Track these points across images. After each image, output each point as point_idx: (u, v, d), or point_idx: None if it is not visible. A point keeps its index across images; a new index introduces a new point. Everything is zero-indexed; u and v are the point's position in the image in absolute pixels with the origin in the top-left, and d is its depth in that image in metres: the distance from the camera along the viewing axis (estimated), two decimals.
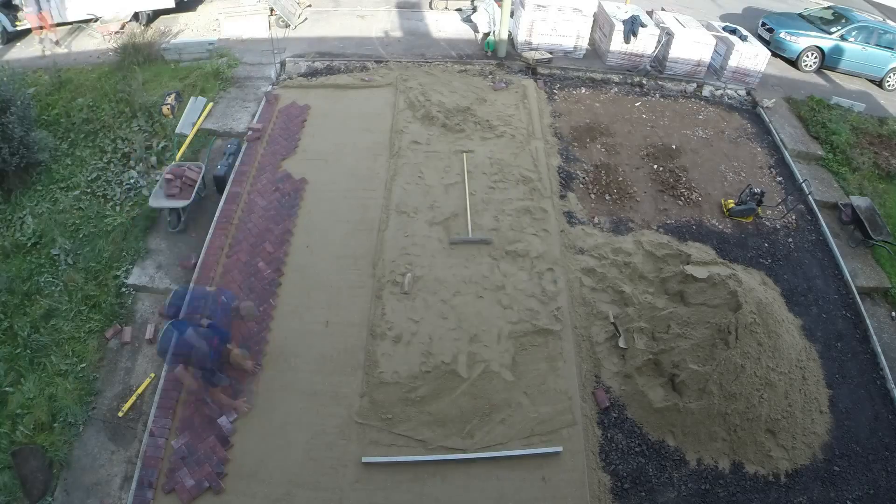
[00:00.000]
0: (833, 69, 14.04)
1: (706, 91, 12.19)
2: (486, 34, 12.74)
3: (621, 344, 7.31)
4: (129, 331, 7.31)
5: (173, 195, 8.37)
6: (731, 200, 9.40)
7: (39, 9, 11.80)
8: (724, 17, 15.77)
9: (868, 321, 8.23)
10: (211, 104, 10.43)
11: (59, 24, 12.59)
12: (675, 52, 12.01)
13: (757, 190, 9.24)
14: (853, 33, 13.69)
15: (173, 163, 8.91)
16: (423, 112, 10.29)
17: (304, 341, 7.12)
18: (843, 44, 13.69)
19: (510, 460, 6.21)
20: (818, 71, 13.95)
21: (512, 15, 12.46)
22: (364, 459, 6.22)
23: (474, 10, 13.69)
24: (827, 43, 13.68)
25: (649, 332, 7.30)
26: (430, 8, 14.38)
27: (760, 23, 14.83)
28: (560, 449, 6.38)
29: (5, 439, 6.29)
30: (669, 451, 6.60)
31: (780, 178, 10.25)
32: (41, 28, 11.94)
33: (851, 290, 8.59)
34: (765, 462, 6.59)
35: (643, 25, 12.11)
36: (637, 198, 9.40)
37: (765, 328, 6.84)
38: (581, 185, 9.50)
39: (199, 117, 10.08)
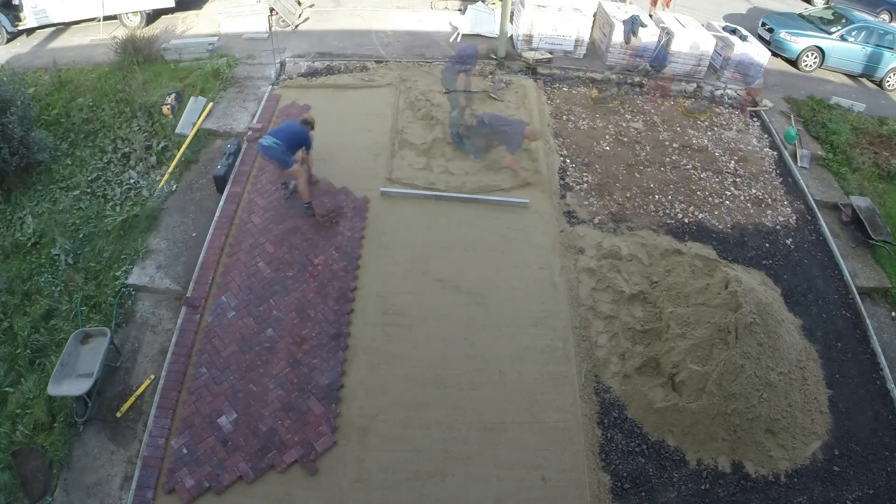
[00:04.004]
0: (833, 69, 14.04)
1: (706, 91, 12.18)
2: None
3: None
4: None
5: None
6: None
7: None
8: (727, 17, 15.77)
9: (868, 321, 8.23)
10: (211, 104, 10.43)
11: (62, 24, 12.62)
12: (674, 51, 12.00)
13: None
14: (853, 33, 13.69)
15: (78, 330, 6.77)
16: (424, 112, 10.28)
17: None
18: (843, 44, 13.68)
19: (510, 463, 6.26)
20: (818, 70, 13.95)
21: (511, 15, 12.45)
22: (382, 189, 8.36)
23: (462, 11, 13.66)
24: (827, 43, 13.68)
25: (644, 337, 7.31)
26: (431, 8, 14.37)
27: (760, 23, 14.83)
28: (527, 200, 8.52)
29: (5, 439, 6.28)
30: (669, 451, 6.60)
31: (780, 179, 10.25)
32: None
33: (851, 290, 8.59)
34: (765, 462, 6.60)
35: (643, 25, 12.11)
36: (637, 198, 9.39)
37: (765, 328, 6.84)
38: (581, 185, 9.50)
39: (199, 117, 10.08)
